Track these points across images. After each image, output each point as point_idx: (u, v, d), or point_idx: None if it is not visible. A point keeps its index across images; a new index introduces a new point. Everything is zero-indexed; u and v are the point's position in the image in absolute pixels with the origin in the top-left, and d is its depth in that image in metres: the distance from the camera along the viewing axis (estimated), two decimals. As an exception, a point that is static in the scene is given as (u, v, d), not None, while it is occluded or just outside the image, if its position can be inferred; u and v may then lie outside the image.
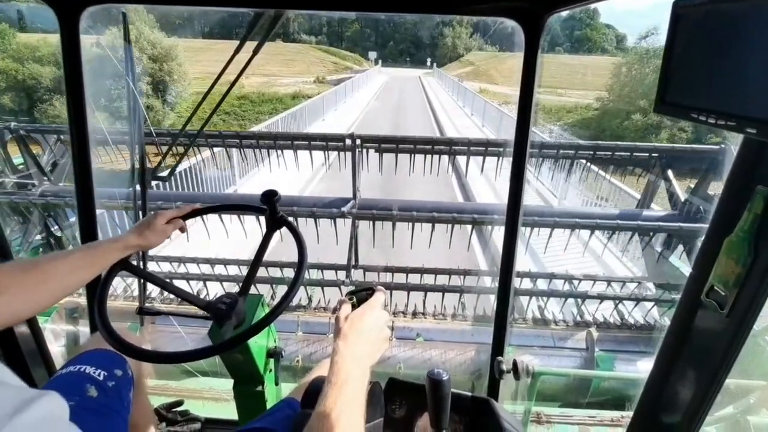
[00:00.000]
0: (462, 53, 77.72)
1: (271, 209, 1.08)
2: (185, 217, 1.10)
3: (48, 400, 0.37)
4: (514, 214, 1.28)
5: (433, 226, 2.85)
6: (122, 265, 0.99)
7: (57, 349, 2.38)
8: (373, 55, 73.83)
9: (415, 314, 2.84)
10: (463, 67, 60.29)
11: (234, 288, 2.88)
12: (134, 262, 1.06)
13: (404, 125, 17.65)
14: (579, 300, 2.91)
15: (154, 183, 1.90)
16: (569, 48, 76.31)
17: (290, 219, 1.13)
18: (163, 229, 1.04)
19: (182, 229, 1.11)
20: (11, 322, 0.81)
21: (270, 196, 1.05)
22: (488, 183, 8.14)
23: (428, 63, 70.83)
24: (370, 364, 0.68)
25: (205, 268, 2.99)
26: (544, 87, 41.29)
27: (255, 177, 7.89)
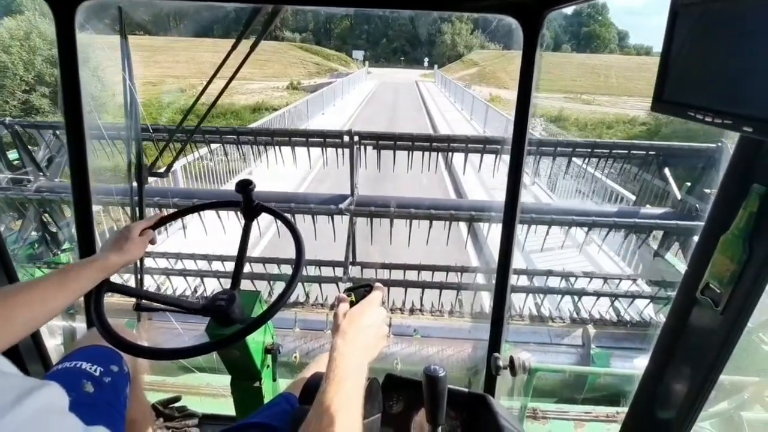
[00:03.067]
0: (462, 52, 70.31)
1: (247, 199, 1.07)
2: (155, 226, 1.08)
3: (48, 390, 0.37)
4: (511, 211, 1.28)
5: (430, 223, 2.85)
6: (107, 286, 0.96)
7: (53, 345, 2.37)
8: (358, 54, 61.15)
9: (412, 311, 2.85)
10: (467, 68, 52.35)
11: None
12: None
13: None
14: (575, 297, 2.93)
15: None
16: (575, 45, 73.97)
17: (268, 206, 1.10)
18: (141, 240, 1.02)
19: (152, 241, 1.08)
20: None
21: (244, 185, 1.04)
22: (480, 182, 8.04)
23: (425, 63, 64.28)
24: (368, 361, 0.68)
25: (202, 264, 2.99)
26: (565, 92, 36.49)
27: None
